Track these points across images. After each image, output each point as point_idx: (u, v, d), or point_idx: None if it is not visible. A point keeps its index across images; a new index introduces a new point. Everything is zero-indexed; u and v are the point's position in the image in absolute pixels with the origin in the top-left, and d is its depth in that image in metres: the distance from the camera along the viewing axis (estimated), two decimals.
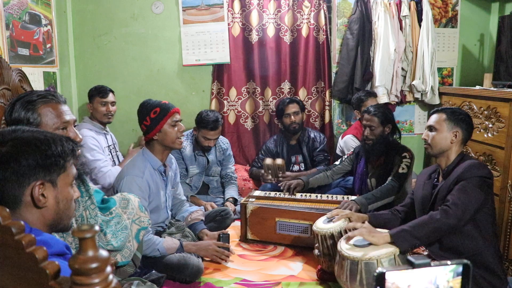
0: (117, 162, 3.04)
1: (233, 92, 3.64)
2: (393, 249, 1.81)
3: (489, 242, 1.88)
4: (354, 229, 2.00)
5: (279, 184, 2.97)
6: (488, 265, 1.84)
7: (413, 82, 3.48)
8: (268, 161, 3.19)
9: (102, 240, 1.64)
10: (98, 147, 2.89)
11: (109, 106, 3.02)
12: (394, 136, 2.77)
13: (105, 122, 3.03)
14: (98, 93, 3.00)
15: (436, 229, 1.83)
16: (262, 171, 3.27)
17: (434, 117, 2.04)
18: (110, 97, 3.04)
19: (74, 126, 1.54)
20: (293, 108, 3.31)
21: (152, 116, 2.22)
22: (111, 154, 3.02)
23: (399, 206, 2.28)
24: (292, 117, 3.30)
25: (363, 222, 2.16)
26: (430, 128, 2.03)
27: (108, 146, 3.02)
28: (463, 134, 1.99)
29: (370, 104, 3.05)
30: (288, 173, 3.24)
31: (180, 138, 2.30)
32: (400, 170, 2.61)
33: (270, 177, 3.19)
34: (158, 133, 2.24)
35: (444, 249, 1.91)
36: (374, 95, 3.39)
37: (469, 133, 2.01)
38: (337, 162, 3.01)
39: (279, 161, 3.17)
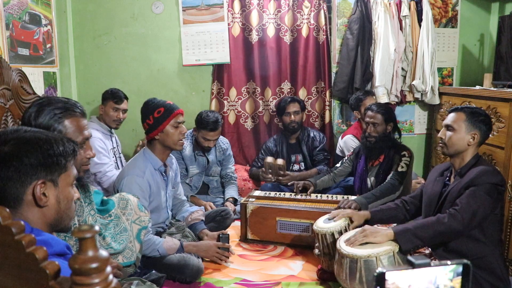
0: (119, 164, 3.04)
1: (233, 92, 3.64)
2: (392, 247, 1.82)
3: (494, 246, 1.87)
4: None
5: (289, 184, 2.97)
6: (491, 268, 1.83)
7: (413, 82, 3.48)
8: (269, 159, 3.19)
9: (101, 243, 1.64)
10: (105, 150, 2.89)
11: (120, 113, 3.01)
12: (395, 135, 2.78)
13: (112, 127, 3.03)
14: (112, 98, 2.98)
15: (441, 233, 1.81)
16: (262, 169, 3.27)
17: (452, 116, 1.95)
18: (123, 105, 3.03)
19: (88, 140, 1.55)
20: (294, 107, 3.32)
21: (156, 115, 2.22)
22: (115, 156, 3.03)
23: (408, 197, 2.25)
24: (292, 116, 3.31)
25: (365, 221, 2.16)
26: (448, 127, 1.95)
27: (113, 149, 3.03)
28: (481, 136, 1.92)
29: (369, 103, 3.05)
30: (288, 172, 3.24)
31: (182, 140, 2.30)
32: (400, 169, 2.62)
33: (270, 176, 3.19)
34: (160, 133, 2.24)
35: (448, 251, 1.90)
36: (372, 93, 3.40)
37: (487, 135, 1.95)
38: (338, 165, 3.02)
39: (279, 161, 3.18)
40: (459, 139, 1.91)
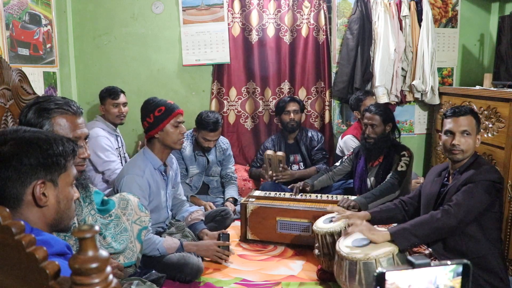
0: (123, 164, 3.04)
1: (233, 92, 3.64)
2: (391, 249, 1.81)
3: (494, 245, 1.88)
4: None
5: (289, 187, 2.96)
6: (491, 268, 1.83)
7: (413, 82, 3.48)
8: (270, 152, 3.19)
9: (102, 243, 1.64)
10: (111, 148, 2.90)
11: (121, 107, 3.02)
12: (394, 135, 2.77)
13: (117, 123, 3.04)
14: (109, 94, 2.99)
15: (436, 229, 1.82)
16: (262, 169, 3.26)
17: (465, 120, 1.91)
18: (122, 98, 3.04)
19: (85, 140, 1.51)
20: (293, 106, 3.33)
21: (157, 114, 2.23)
22: (120, 156, 3.03)
23: (406, 198, 2.26)
24: (292, 114, 3.31)
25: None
26: (464, 132, 1.91)
27: (118, 148, 3.03)
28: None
29: (369, 103, 3.06)
30: (287, 167, 3.24)
31: (181, 139, 2.30)
32: (399, 168, 2.62)
33: (270, 172, 3.19)
34: (160, 132, 2.24)
35: (448, 250, 1.90)
36: (372, 94, 3.40)
37: None
38: (337, 163, 3.02)
39: (280, 153, 3.18)
40: (474, 143, 1.93)
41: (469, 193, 1.81)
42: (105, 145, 2.85)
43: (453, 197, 1.85)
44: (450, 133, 1.94)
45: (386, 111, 2.73)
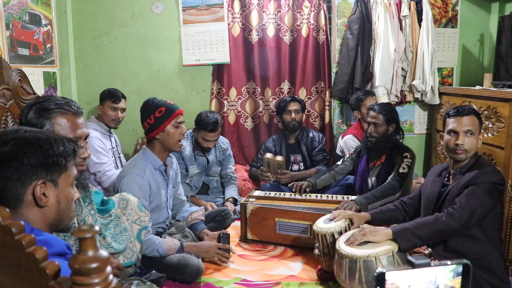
0: (119, 164, 3.04)
1: (233, 92, 3.64)
2: (391, 247, 1.82)
3: (494, 245, 1.87)
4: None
5: (289, 185, 2.97)
6: (491, 268, 1.83)
7: (413, 82, 3.48)
8: (269, 155, 3.19)
9: (102, 243, 1.64)
10: (103, 149, 2.88)
11: (119, 112, 3.01)
12: (397, 136, 2.77)
13: (111, 126, 3.03)
14: (110, 97, 2.98)
15: (439, 231, 1.82)
16: (261, 168, 3.27)
17: (468, 119, 1.90)
18: (121, 104, 3.03)
19: (85, 140, 1.51)
20: (294, 106, 3.33)
21: (157, 115, 2.22)
22: (114, 156, 3.02)
23: (406, 198, 2.26)
24: (293, 114, 3.31)
25: (365, 223, 2.16)
26: (468, 132, 1.90)
27: (112, 149, 3.02)
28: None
29: (369, 103, 3.05)
30: (287, 171, 3.24)
31: (181, 141, 2.30)
32: (401, 170, 2.61)
33: (269, 174, 3.19)
34: (161, 133, 2.24)
35: (447, 250, 1.90)
36: (372, 93, 3.40)
37: None
38: (339, 163, 3.02)
39: (279, 158, 3.18)
40: (476, 143, 1.92)
41: (472, 195, 1.80)
42: (97, 147, 2.83)
43: (456, 199, 1.84)
44: (454, 132, 1.92)
45: (390, 112, 2.72)
